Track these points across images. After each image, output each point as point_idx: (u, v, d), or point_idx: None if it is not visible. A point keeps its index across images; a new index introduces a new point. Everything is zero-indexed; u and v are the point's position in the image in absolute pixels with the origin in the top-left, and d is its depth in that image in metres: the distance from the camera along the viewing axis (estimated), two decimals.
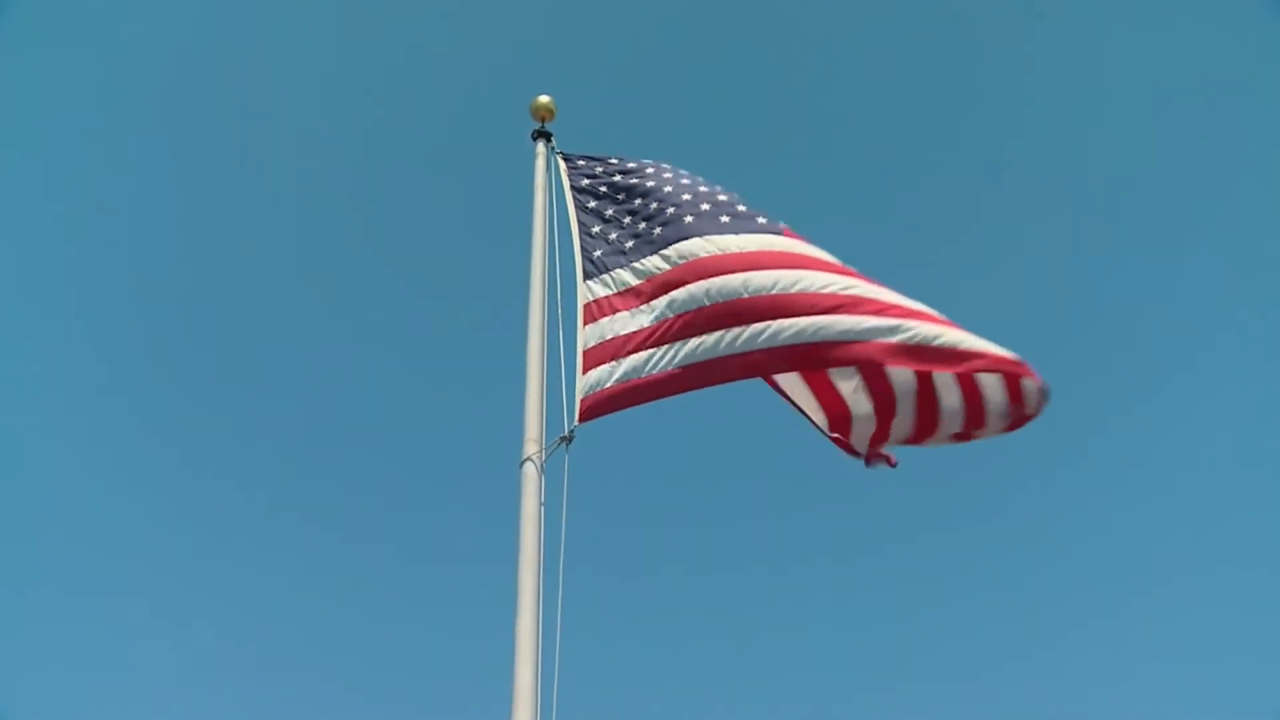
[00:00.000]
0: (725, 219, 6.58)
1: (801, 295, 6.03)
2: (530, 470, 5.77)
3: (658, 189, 6.94)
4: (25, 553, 16.49)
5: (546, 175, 7.19)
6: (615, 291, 6.50)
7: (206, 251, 20.53)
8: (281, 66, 20.99)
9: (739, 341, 6.04)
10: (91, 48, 18.94)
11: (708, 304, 6.19)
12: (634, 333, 6.28)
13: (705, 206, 6.69)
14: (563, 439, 5.86)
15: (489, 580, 16.46)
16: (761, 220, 6.57)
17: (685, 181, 6.99)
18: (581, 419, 5.93)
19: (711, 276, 6.26)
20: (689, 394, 6.39)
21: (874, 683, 17.71)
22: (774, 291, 6.09)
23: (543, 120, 7.45)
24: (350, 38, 21.36)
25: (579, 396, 6.02)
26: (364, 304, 21.30)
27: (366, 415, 20.62)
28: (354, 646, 17.78)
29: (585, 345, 6.26)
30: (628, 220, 6.85)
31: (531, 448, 5.87)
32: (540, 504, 5.70)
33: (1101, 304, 21.12)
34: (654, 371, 6.11)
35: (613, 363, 6.18)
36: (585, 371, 6.14)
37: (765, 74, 23.11)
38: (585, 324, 6.36)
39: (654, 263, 6.51)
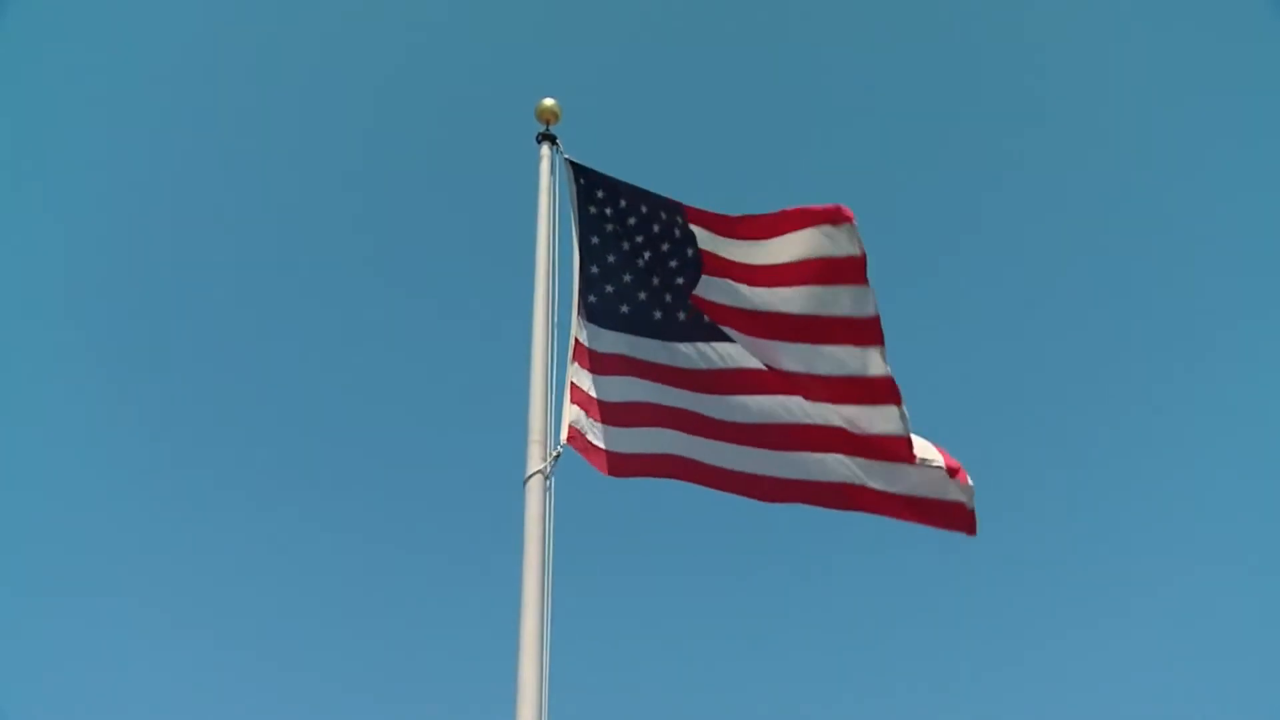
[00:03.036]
0: (683, 315, 6.91)
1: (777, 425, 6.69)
2: (536, 478, 5.81)
3: (655, 252, 7.02)
4: (25, 553, 16.48)
5: (551, 179, 7.13)
6: (607, 352, 6.80)
7: (206, 257, 20.52)
8: (283, 68, 20.96)
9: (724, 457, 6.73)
10: (91, 47, 18.91)
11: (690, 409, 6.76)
12: (618, 404, 6.71)
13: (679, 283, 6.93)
14: (555, 457, 5.99)
15: (495, 585, 16.48)
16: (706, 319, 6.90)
17: (674, 237, 7.03)
18: (568, 441, 6.25)
19: (686, 388, 6.79)
20: None
21: (875, 683, 17.73)
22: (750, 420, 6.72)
23: (547, 123, 7.37)
24: (352, 39, 21.32)
25: (566, 421, 6.33)
26: (366, 310, 21.28)
27: (371, 420, 20.63)
28: (360, 648, 17.81)
29: (572, 379, 6.58)
30: (627, 279, 6.97)
31: (535, 453, 5.90)
32: (545, 511, 5.73)
33: (1102, 305, 21.12)
34: (633, 453, 6.67)
35: (596, 422, 6.58)
36: (573, 402, 6.50)
37: (769, 76, 23.09)
38: (572, 360, 6.63)
39: (645, 347, 6.85)
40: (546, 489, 5.80)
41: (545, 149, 7.27)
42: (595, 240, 7.06)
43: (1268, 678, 15.36)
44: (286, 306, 20.90)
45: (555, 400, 6.25)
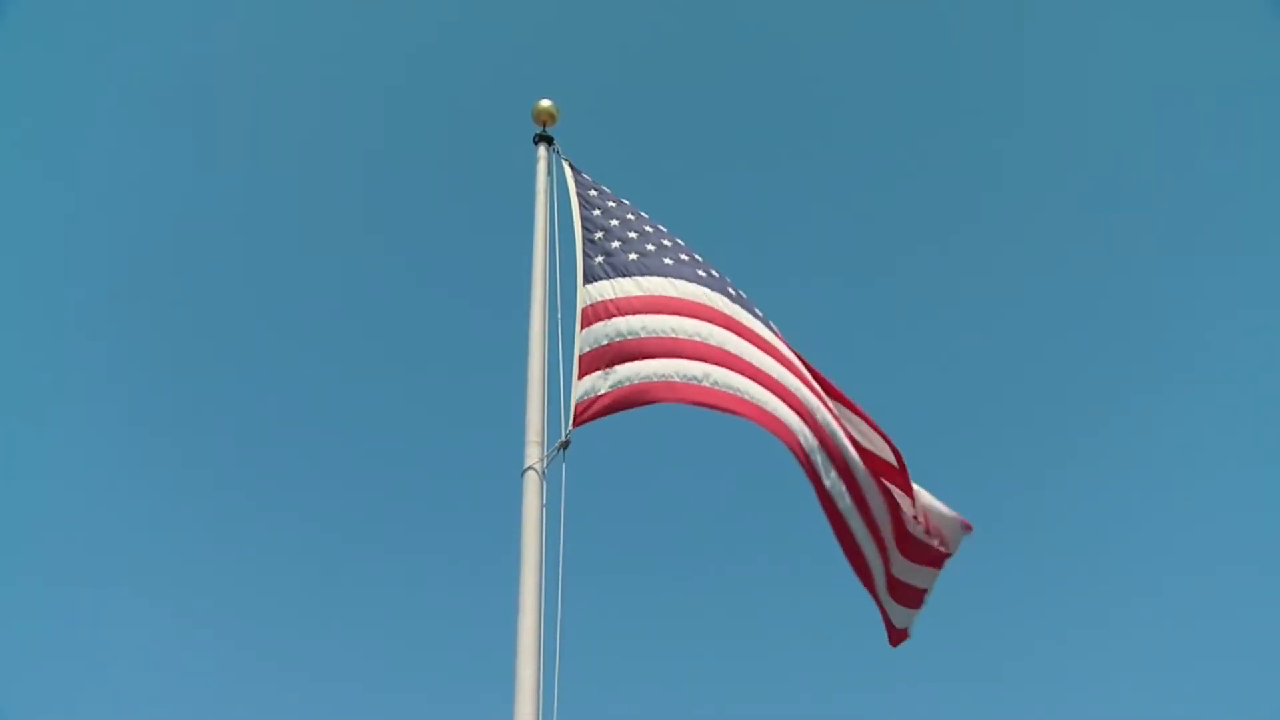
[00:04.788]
0: (732, 291, 6.93)
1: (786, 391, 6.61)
2: (532, 474, 5.81)
3: (668, 234, 7.13)
4: (26, 551, 16.53)
5: (548, 179, 7.19)
6: (616, 297, 6.54)
7: (208, 256, 20.58)
8: (284, 68, 21.03)
9: (720, 381, 6.40)
10: (92, 47, 18.97)
11: (698, 340, 6.50)
12: (626, 341, 6.37)
13: (715, 272, 7.05)
14: (560, 445, 5.89)
15: (492, 581, 16.52)
16: (732, 290, 6.99)
17: (679, 239, 7.25)
18: (575, 423, 5.95)
19: (725, 329, 6.61)
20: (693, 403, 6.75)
21: (873, 682, 17.76)
22: (752, 362, 6.59)
23: (544, 124, 7.45)
24: (354, 41, 21.37)
25: (574, 400, 6.04)
26: (367, 306, 21.34)
27: (370, 417, 20.68)
28: (359, 645, 17.85)
29: (581, 350, 6.28)
30: (632, 237, 6.92)
31: (533, 452, 5.90)
32: (542, 507, 5.72)
33: (1103, 305, 21.14)
34: (645, 380, 6.26)
35: (605, 370, 6.25)
36: (580, 376, 6.16)
37: (764, 77, 23.14)
38: (583, 328, 6.37)
39: (658, 285, 6.65)
40: (543, 484, 5.80)
41: (542, 150, 7.35)
42: (596, 213, 7.06)
43: (1268, 678, 15.41)
44: (286, 304, 20.98)
45: (551, 396, 6.22)
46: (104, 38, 18.88)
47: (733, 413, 6.28)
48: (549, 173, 7.25)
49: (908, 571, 7.00)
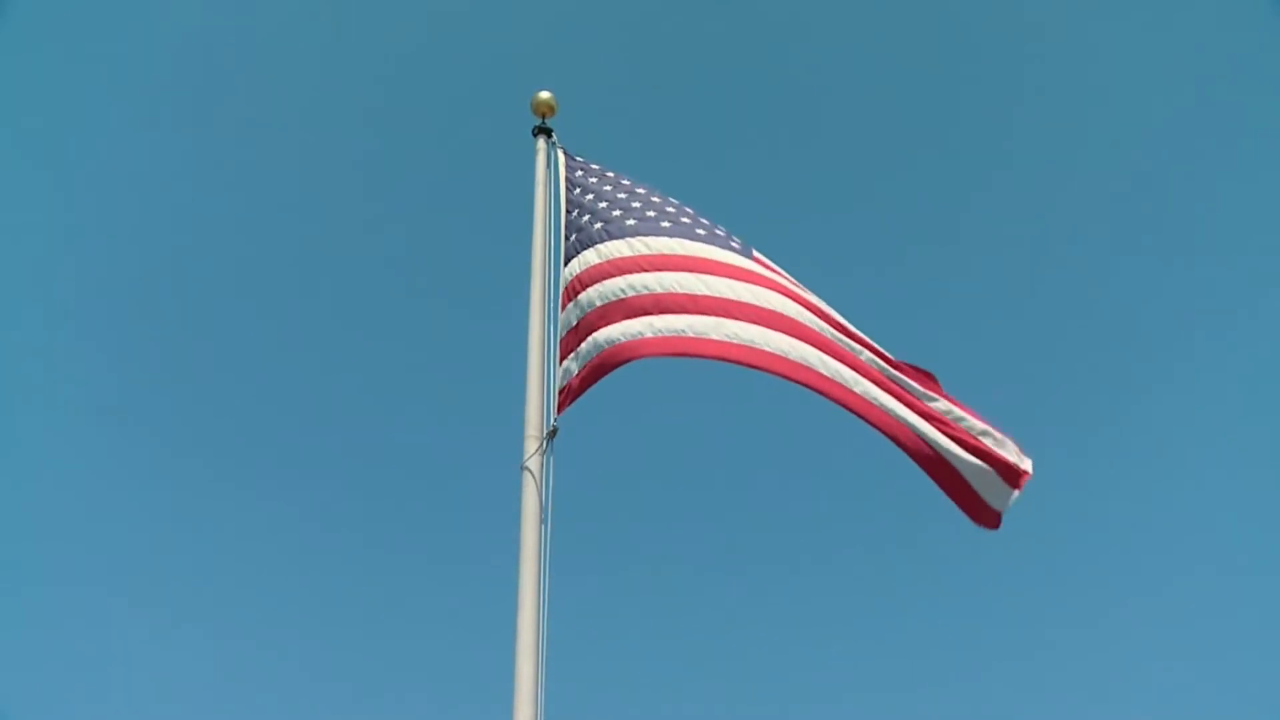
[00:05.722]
0: (701, 232, 6.65)
1: (801, 326, 6.19)
2: (531, 469, 5.78)
3: (645, 196, 6.95)
4: (26, 551, 16.49)
5: (547, 172, 7.14)
6: (580, 271, 6.42)
7: (206, 249, 20.52)
8: (284, 61, 21.00)
9: (706, 329, 6.05)
10: (92, 47, 18.93)
11: (677, 291, 6.20)
12: (587, 314, 6.22)
13: (685, 220, 6.76)
14: (549, 433, 5.87)
15: (491, 577, 16.47)
16: (735, 244, 6.67)
17: (672, 204, 6.98)
18: (559, 409, 5.92)
19: (679, 271, 6.30)
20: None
21: (870, 681, 17.70)
22: (755, 303, 6.20)
23: (543, 116, 7.41)
24: (353, 33, 21.35)
25: (557, 387, 6.03)
26: (365, 301, 21.29)
27: (367, 413, 20.61)
28: (356, 644, 17.80)
29: (561, 334, 6.24)
30: (602, 207, 6.78)
31: (532, 446, 5.86)
32: (540, 502, 5.69)
33: (1104, 300, 21.09)
34: (613, 344, 6.04)
35: (575, 350, 6.14)
36: (562, 360, 6.13)
37: (762, 72, 23.10)
38: (564, 307, 6.33)
39: (616, 248, 6.46)
40: (542, 480, 5.76)
41: (541, 142, 7.30)
42: (575, 192, 6.96)
43: (1268, 678, 15.36)
44: (282, 299, 20.91)
45: (552, 389, 6.17)
46: (105, 37, 18.86)
47: (675, 354, 6.02)
48: (549, 165, 7.19)
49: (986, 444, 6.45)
